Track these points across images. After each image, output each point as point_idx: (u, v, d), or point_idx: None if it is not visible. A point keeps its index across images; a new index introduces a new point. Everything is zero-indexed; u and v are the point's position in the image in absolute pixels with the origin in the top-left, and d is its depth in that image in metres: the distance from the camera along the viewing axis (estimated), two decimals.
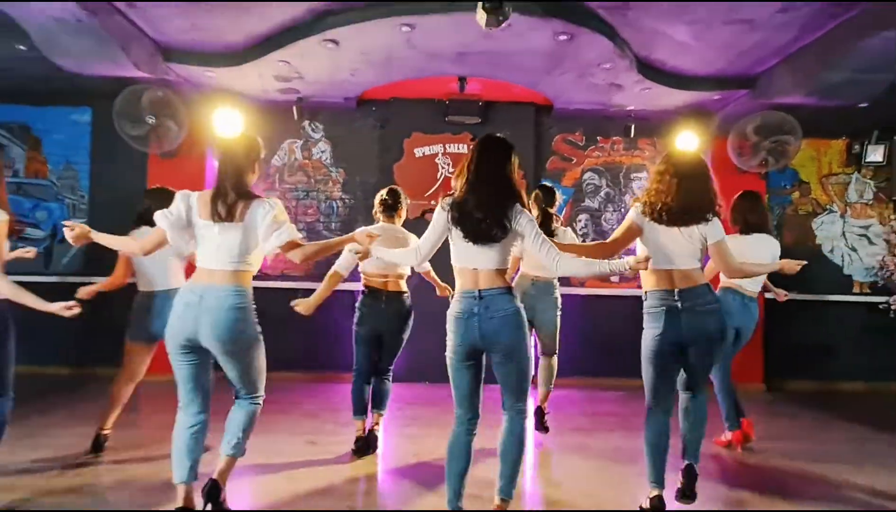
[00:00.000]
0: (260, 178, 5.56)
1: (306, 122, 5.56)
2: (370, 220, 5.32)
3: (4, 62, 4.61)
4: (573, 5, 3.58)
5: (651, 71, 4.49)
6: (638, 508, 2.50)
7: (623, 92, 4.87)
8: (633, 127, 5.45)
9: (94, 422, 3.22)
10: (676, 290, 2.41)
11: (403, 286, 3.34)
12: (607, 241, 2.59)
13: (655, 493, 2.43)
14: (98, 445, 3.14)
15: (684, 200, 2.39)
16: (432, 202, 5.43)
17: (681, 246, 2.43)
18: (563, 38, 3.83)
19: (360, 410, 3.27)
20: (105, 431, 3.18)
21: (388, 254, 2.45)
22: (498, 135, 2.36)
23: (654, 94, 4.86)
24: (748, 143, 5.03)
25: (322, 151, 5.62)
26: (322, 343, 5.34)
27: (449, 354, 2.24)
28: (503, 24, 3.13)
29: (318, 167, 5.63)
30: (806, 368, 5.63)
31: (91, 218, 5.47)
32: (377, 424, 3.36)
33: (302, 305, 2.94)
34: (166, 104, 4.77)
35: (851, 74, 3.90)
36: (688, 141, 5.36)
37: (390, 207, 3.33)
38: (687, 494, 2.49)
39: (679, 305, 2.39)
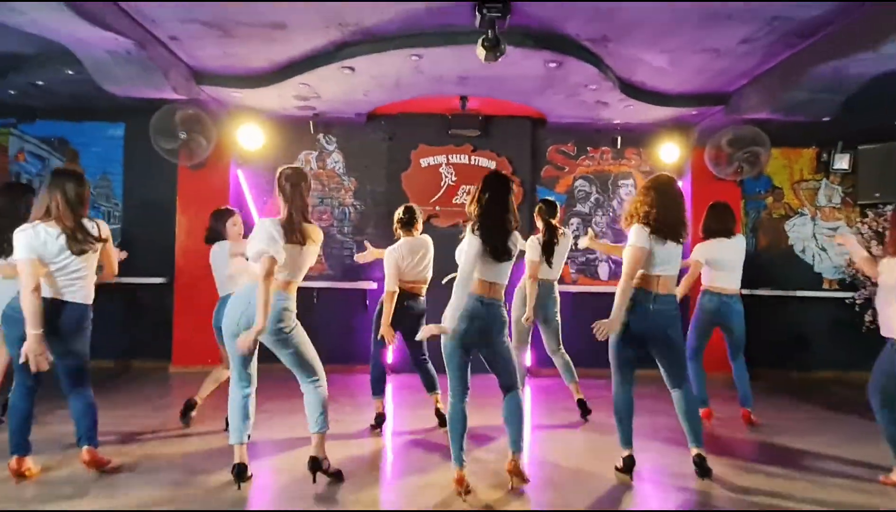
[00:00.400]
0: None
1: (321, 135, 6.08)
2: (380, 225, 5.94)
3: (52, 84, 5.12)
4: (561, 38, 4.09)
5: (633, 90, 4.99)
6: (614, 467, 3.02)
7: (609, 108, 5.38)
8: (619, 138, 5.98)
9: (150, 405, 3.75)
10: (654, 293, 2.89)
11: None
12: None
13: (626, 453, 2.95)
14: (189, 407, 3.77)
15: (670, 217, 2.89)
16: (437, 207, 5.95)
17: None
18: (552, 65, 4.34)
19: (379, 391, 3.79)
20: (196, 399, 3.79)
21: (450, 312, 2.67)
22: (501, 172, 2.92)
23: (637, 110, 5.37)
24: (723, 153, 5.54)
25: (335, 162, 6.14)
26: (332, 337, 5.83)
27: (451, 341, 2.72)
28: (500, 59, 3.63)
29: (331, 176, 6.14)
30: (780, 358, 6.13)
31: (124, 223, 5.99)
32: (438, 402, 3.87)
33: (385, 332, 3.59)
34: (197, 121, 5.28)
35: (809, 94, 4.40)
36: (670, 151, 5.89)
37: (407, 223, 3.81)
38: (702, 473, 2.89)
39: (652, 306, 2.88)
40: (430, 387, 3.89)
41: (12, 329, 2.75)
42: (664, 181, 2.99)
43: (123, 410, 4.16)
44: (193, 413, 3.82)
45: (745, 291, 6.03)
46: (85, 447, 2.82)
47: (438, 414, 3.86)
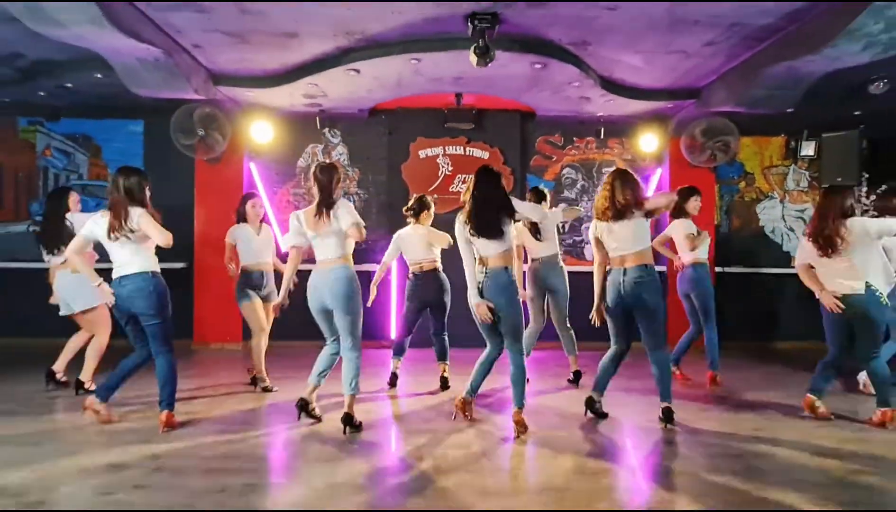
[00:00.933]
0: (287, 177, 6.59)
1: (326, 130, 6.54)
2: (382, 213, 6.42)
3: (81, 86, 5.57)
4: (545, 42, 4.56)
5: (613, 86, 5.47)
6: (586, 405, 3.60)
7: (592, 103, 5.86)
8: (602, 129, 6.48)
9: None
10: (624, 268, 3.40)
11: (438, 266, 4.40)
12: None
13: (593, 395, 3.55)
14: (254, 382, 4.37)
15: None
16: (434, 195, 6.41)
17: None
18: (538, 66, 4.82)
19: (399, 352, 4.42)
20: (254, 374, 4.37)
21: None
22: (490, 167, 3.40)
23: (617, 103, 5.85)
24: (697, 143, 6.04)
25: (340, 154, 6.61)
26: None
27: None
28: (490, 64, 4.11)
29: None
30: (751, 329, 6.68)
31: None
32: (445, 371, 4.41)
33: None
34: (213, 119, 5.75)
35: (767, 91, 4.89)
36: (649, 141, 6.39)
37: (416, 213, 4.33)
38: (667, 420, 3.42)
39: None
40: (441, 357, 4.43)
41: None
42: (611, 173, 3.48)
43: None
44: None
45: (718, 269, 6.63)
46: (165, 411, 3.31)
47: (442, 379, 4.39)
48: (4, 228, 6.40)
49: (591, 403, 3.58)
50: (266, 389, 4.28)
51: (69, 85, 5.53)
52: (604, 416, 3.61)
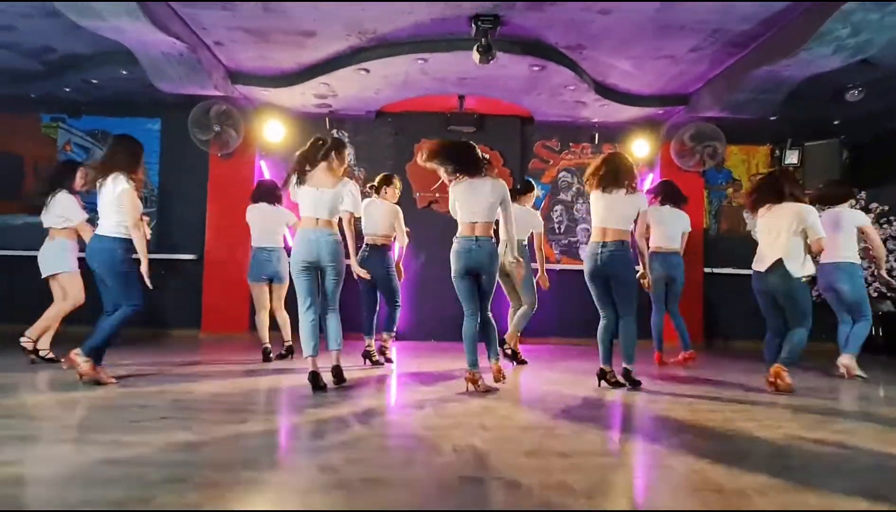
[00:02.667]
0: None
1: (335, 130, 6.87)
2: None
3: (104, 81, 5.90)
4: (542, 45, 4.92)
5: (607, 91, 5.84)
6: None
7: (587, 107, 6.22)
8: (597, 135, 6.84)
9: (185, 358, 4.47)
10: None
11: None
12: None
13: (603, 367, 3.78)
14: (266, 355, 4.59)
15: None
16: (437, 194, 6.74)
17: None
18: (536, 68, 5.18)
19: (368, 331, 4.59)
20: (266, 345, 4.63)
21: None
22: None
23: (611, 109, 6.21)
24: (686, 148, 6.39)
25: (348, 154, 6.91)
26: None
27: (453, 274, 3.55)
28: (491, 62, 4.45)
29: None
30: (737, 329, 6.93)
31: (160, 207, 6.75)
32: (370, 346, 4.61)
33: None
34: (229, 116, 6.08)
35: (750, 95, 5.25)
36: (642, 146, 6.74)
37: (377, 188, 4.59)
38: (619, 383, 3.73)
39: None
40: (388, 328, 4.66)
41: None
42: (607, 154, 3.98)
43: (171, 355, 4.89)
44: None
45: (707, 270, 6.92)
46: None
47: (365, 353, 4.55)
48: (23, 219, 6.65)
49: (602, 375, 3.79)
50: (287, 352, 4.60)
51: (94, 81, 5.87)
52: (636, 384, 3.75)
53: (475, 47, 4.40)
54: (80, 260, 4.16)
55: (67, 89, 6.12)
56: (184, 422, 2.62)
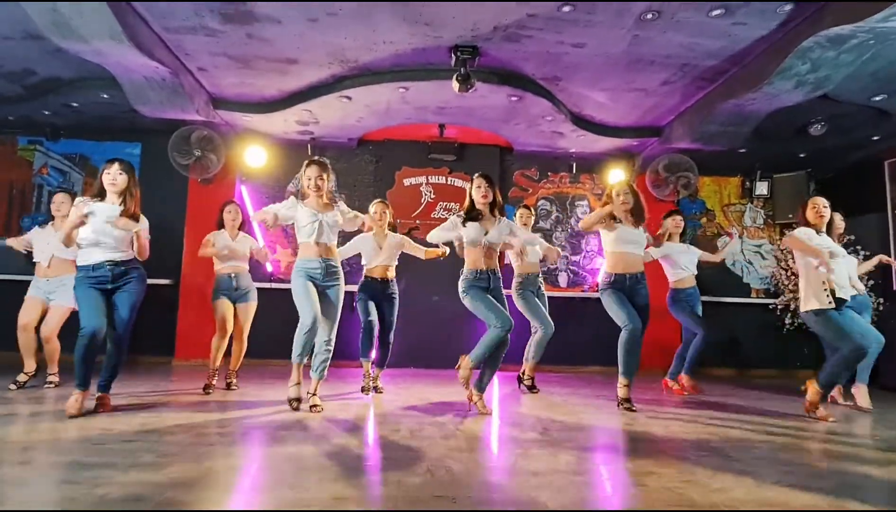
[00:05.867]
0: (276, 200, 6.86)
1: (316, 157, 6.91)
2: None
3: (85, 105, 5.89)
4: (520, 76, 5.07)
5: (583, 122, 6.00)
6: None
7: (564, 138, 6.38)
8: (574, 165, 6.98)
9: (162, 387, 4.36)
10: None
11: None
12: None
13: (623, 381, 3.86)
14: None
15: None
16: (417, 221, 6.79)
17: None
18: (514, 98, 5.32)
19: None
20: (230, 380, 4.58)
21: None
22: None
23: (588, 140, 6.37)
24: (660, 178, 6.56)
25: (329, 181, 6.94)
26: None
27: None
28: (471, 91, 4.57)
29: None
30: (715, 356, 6.99)
31: None
32: (376, 381, 4.61)
33: None
34: (209, 141, 6.10)
35: (719, 127, 5.45)
36: (618, 176, 6.90)
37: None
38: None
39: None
40: (381, 364, 4.62)
41: None
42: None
43: (140, 386, 4.77)
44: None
45: None
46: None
47: (365, 389, 4.46)
48: None
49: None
50: (207, 388, 4.32)
51: (75, 104, 5.85)
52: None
53: (454, 76, 4.52)
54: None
55: (47, 112, 6.09)
56: (150, 444, 2.54)
